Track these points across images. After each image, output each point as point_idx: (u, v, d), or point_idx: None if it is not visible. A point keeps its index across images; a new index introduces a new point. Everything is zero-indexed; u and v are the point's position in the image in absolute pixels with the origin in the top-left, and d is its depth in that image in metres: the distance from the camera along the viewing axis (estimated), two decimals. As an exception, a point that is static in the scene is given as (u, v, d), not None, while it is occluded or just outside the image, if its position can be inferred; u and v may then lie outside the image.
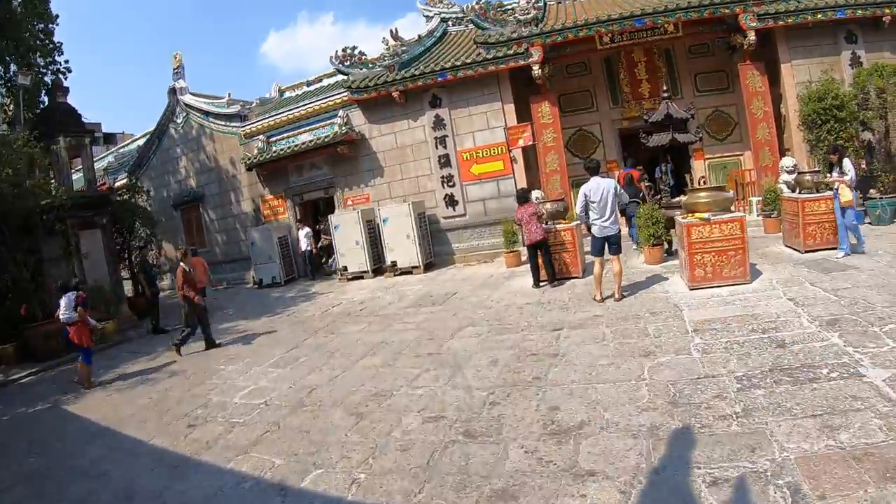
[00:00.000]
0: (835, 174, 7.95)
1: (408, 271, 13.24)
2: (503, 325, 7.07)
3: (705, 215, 7.14)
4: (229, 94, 18.17)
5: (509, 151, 12.88)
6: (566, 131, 13.91)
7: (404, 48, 14.40)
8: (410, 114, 13.82)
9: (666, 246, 9.64)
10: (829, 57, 12.44)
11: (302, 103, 15.92)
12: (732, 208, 7.62)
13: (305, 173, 15.79)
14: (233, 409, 5.69)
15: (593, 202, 7.14)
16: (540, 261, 8.97)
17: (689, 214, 7.42)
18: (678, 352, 5.04)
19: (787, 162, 11.30)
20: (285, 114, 16.05)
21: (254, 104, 18.46)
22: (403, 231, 13.07)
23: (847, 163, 7.89)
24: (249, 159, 16.05)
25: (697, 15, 12.02)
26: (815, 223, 8.17)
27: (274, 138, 16.18)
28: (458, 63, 12.77)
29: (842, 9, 12.04)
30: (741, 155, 13.66)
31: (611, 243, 7.21)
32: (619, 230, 7.31)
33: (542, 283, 9.02)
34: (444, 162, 13.44)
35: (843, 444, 3.08)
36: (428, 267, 13.29)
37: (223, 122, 17.61)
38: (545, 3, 14.09)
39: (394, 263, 13.34)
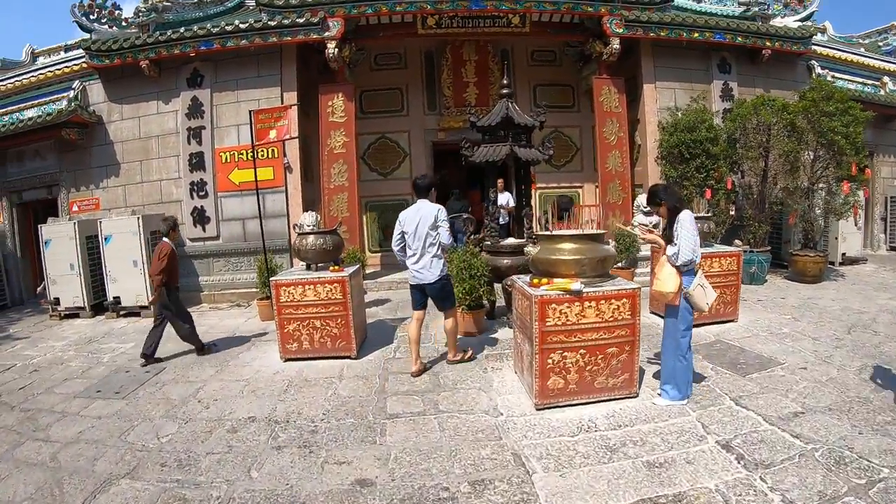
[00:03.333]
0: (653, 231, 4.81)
1: (136, 312, 9.42)
2: (193, 477, 3.64)
3: (574, 285, 4.21)
4: (-45, 50, 13.37)
5: (284, 156, 9.44)
6: (364, 137, 10.82)
7: (169, 5, 10.61)
8: (163, 94, 10.09)
9: (487, 307, 6.92)
10: (699, 84, 10.94)
11: (32, 68, 11.61)
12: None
13: (28, 163, 11.44)
14: None
15: (407, 233, 5.23)
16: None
17: (542, 279, 4.46)
18: None
19: (640, 199, 9.10)
20: (11, 80, 11.65)
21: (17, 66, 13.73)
22: (130, 255, 9.29)
23: (686, 220, 4.17)
24: (-42, 137, 11.39)
25: (553, 8, 9.47)
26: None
27: (-4, 112, 11.70)
28: (230, 28, 9.23)
29: (721, 32, 10.45)
30: (580, 187, 11.26)
31: (431, 296, 5.38)
32: (441, 277, 5.30)
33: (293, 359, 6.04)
34: (197, 163, 9.77)
35: None
36: None
37: (-58, 85, 12.79)
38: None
39: (117, 300, 9.42)
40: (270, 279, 5.95)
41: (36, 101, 11.25)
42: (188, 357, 6.58)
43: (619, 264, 8.76)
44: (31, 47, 13.92)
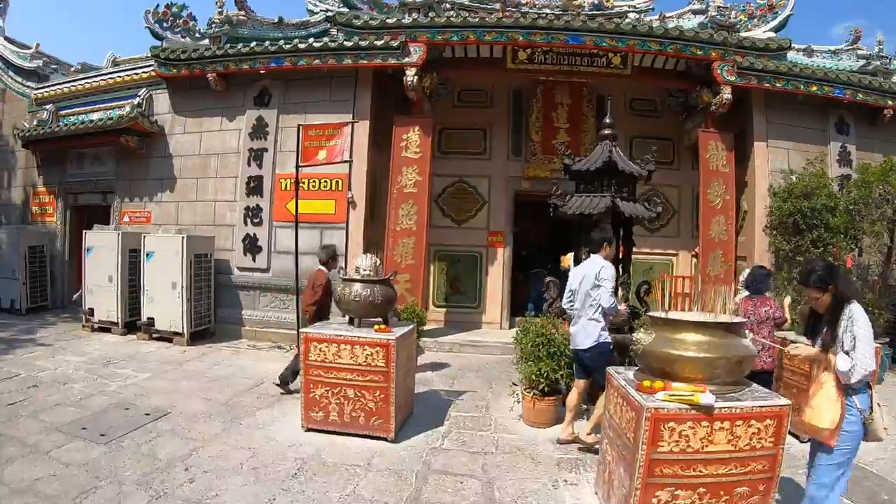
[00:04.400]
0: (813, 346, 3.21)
1: (168, 337, 8.69)
2: None
3: (704, 397, 2.99)
4: (37, 45, 13.35)
5: (348, 189, 8.53)
6: (440, 179, 9.80)
7: (245, 19, 10.03)
8: (228, 110, 9.43)
9: (563, 392, 5.57)
10: (814, 145, 9.49)
11: (103, 71, 11.29)
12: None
13: (87, 167, 11.06)
14: None
15: (574, 292, 4.82)
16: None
17: (656, 381, 3.22)
18: None
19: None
20: (83, 81, 11.38)
21: (72, 69, 13.63)
22: (170, 276, 8.55)
23: (860, 316, 2.93)
24: (27, 131, 11.17)
25: (658, 48, 8.32)
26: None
27: (65, 111, 11.55)
28: (303, 46, 8.49)
29: (841, 86, 8.99)
30: (675, 255, 9.88)
31: (585, 365, 4.75)
32: (598, 343, 4.60)
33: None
34: (255, 187, 8.99)
35: None
36: (198, 336, 8.79)
37: (21, 79, 12.81)
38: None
39: (150, 321, 8.72)
40: (301, 330, 4.93)
41: (104, 106, 10.89)
42: (208, 404, 5.58)
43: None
44: (113, 55, 13.74)
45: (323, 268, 6.25)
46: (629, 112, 10.23)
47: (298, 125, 6.61)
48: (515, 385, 5.58)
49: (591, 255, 4.83)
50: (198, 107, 9.63)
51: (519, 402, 5.49)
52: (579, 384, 4.86)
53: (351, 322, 5.07)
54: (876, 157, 9.48)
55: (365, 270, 7.52)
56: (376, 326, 4.83)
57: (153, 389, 6.11)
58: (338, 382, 4.71)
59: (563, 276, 7.96)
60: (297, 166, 6.53)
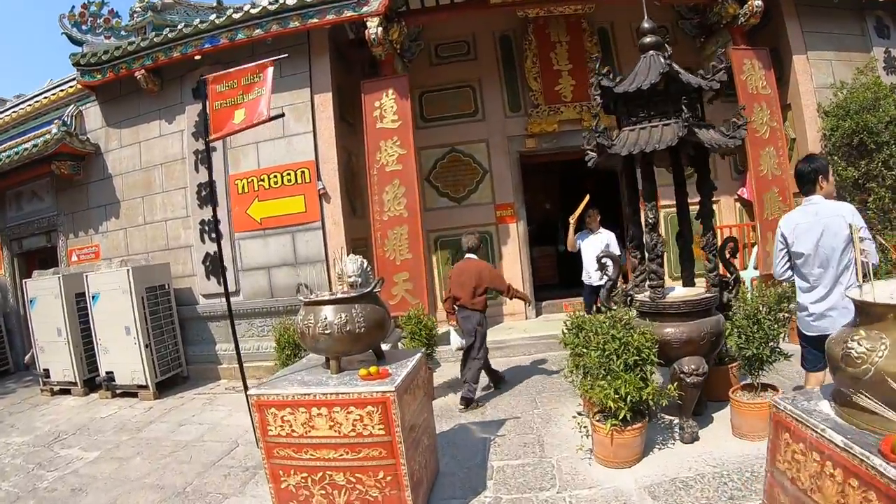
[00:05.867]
0: None
1: (132, 392, 7.14)
2: None
3: None
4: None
5: (318, 180, 6.94)
6: (428, 152, 8.15)
7: (171, 2, 8.48)
8: (166, 111, 7.88)
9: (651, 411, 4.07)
10: (857, 53, 8.14)
11: (28, 96, 9.81)
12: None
13: (25, 206, 9.56)
14: None
15: (800, 254, 3.30)
16: None
17: None
18: None
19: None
20: (9, 112, 9.94)
21: (9, 101, 12.16)
22: (121, 319, 7.04)
23: None
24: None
25: None
26: None
27: (-4, 149, 9.96)
28: (239, 16, 6.93)
29: None
30: (716, 202, 8.18)
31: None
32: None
33: None
34: (208, 195, 7.42)
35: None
36: (168, 385, 7.33)
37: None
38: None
39: (110, 376, 7.21)
40: (248, 393, 3.29)
41: (35, 133, 9.39)
42: (160, 495, 3.99)
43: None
44: (52, 81, 12.26)
45: (474, 256, 5.46)
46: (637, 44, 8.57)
47: (201, 78, 4.57)
48: (579, 415, 3.84)
49: (809, 197, 3.37)
50: (132, 114, 8.09)
51: (587, 436, 3.80)
52: (818, 377, 3.34)
53: (327, 363, 3.42)
54: (921, 60, 8.16)
55: (351, 277, 5.96)
56: (363, 370, 3.13)
57: (96, 479, 4.55)
58: (318, 466, 3.03)
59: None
60: (207, 141, 4.64)
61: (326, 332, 3.15)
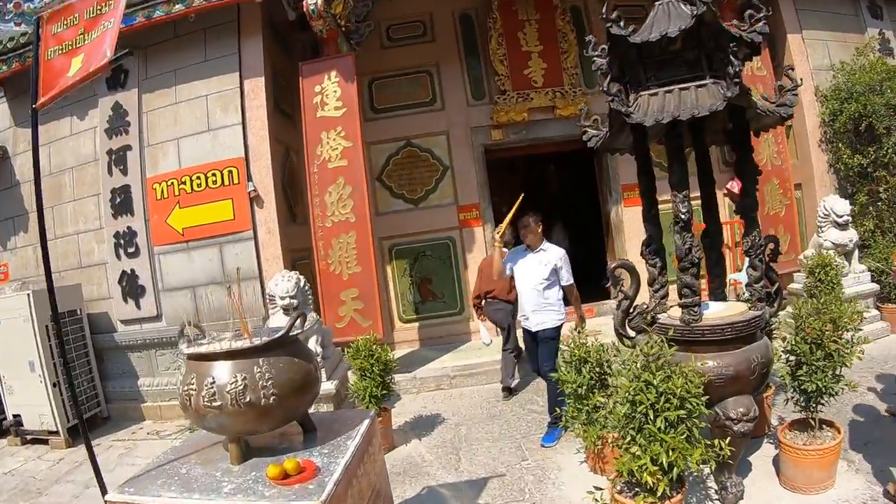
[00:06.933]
0: None
1: (42, 439, 6.02)
2: None
3: None
4: None
5: (248, 180, 5.92)
6: (380, 147, 7.13)
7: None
8: (78, 105, 6.81)
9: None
10: (851, 34, 7.79)
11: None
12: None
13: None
14: None
15: None
16: None
17: None
18: None
19: (837, 205, 5.94)
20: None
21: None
22: (24, 352, 5.90)
23: None
24: None
25: None
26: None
27: None
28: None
29: None
30: (700, 197, 7.34)
31: None
32: None
33: None
34: (123, 202, 6.38)
35: None
36: (79, 430, 6.03)
37: None
38: None
39: (17, 420, 6.11)
40: (106, 499, 2.08)
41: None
42: None
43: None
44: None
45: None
46: (618, 22, 7.69)
47: (37, 18, 3.38)
48: (596, 488, 2.74)
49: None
50: (42, 110, 6.97)
51: (596, 501, 2.73)
52: None
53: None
54: (911, 43, 8.06)
55: (283, 297, 4.97)
56: (273, 468, 1.94)
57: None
58: None
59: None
60: (34, 109, 3.41)
61: (215, 403, 2.01)
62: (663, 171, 6.84)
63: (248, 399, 2.00)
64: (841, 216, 5.87)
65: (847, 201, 6.07)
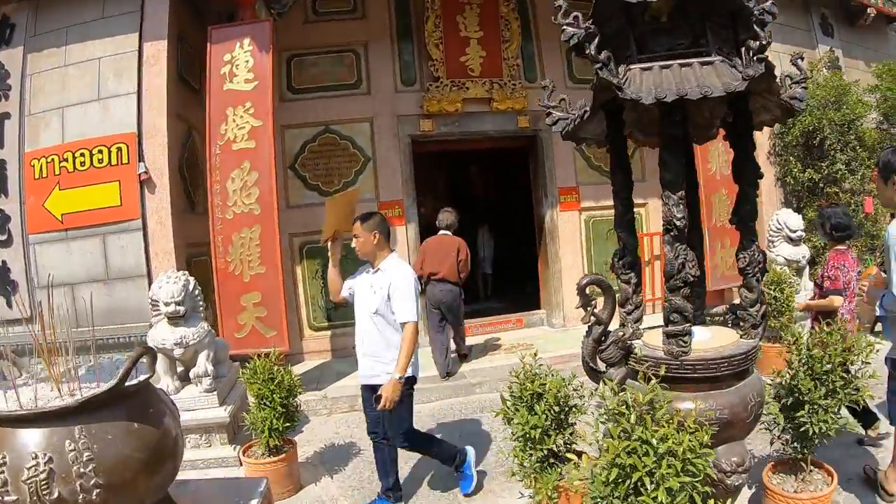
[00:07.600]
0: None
1: None
2: None
3: None
4: None
5: (139, 159, 5.23)
6: (295, 131, 6.51)
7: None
8: (-47, 64, 5.91)
9: None
10: (803, 49, 7.47)
11: None
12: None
13: None
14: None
15: None
16: None
17: None
18: None
19: (791, 220, 5.71)
20: None
21: None
22: None
23: None
24: None
25: None
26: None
27: None
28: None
29: None
30: (643, 205, 7.08)
31: None
32: None
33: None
34: (-4, 179, 5.59)
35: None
36: None
37: None
38: None
39: None
40: None
41: None
42: None
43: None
44: None
45: (449, 233, 5.62)
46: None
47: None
48: None
49: None
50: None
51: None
52: None
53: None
54: (859, 63, 8.71)
55: (169, 305, 4.28)
56: None
57: None
58: None
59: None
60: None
61: (7, 498, 1.28)
62: (604, 174, 6.56)
63: (55, 495, 1.29)
64: (794, 231, 5.61)
65: (800, 216, 5.85)
